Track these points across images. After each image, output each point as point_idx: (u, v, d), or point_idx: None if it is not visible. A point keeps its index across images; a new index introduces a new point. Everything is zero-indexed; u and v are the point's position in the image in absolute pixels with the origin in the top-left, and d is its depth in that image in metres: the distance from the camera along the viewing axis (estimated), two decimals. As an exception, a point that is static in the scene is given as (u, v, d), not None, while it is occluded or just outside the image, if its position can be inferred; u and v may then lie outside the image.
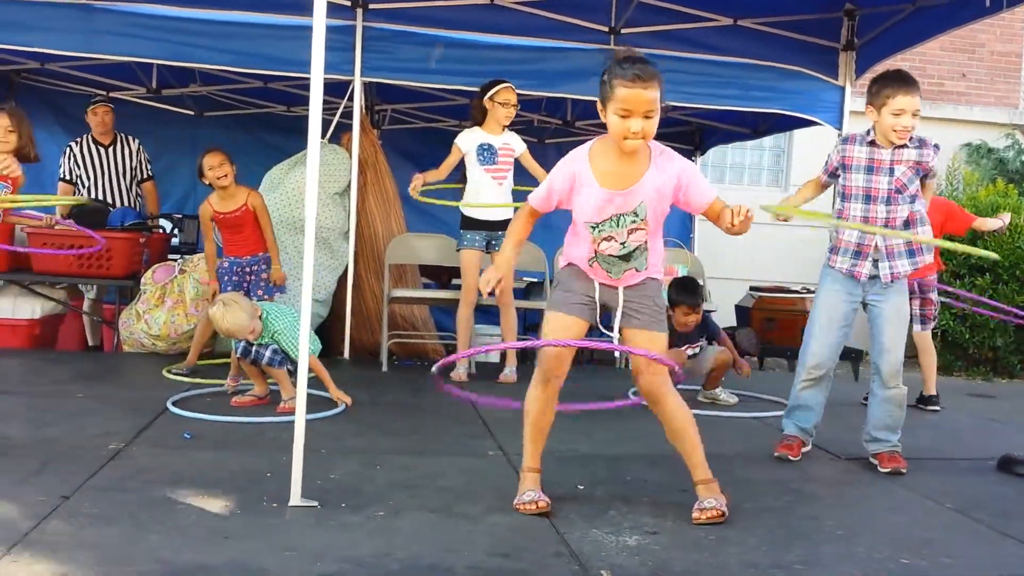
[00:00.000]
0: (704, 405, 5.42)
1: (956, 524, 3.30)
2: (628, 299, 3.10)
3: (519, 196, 5.82)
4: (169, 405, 4.45)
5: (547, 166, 8.20)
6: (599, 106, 2.96)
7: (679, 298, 5.41)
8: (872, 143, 3.93)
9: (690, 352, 5.46)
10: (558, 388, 3.16)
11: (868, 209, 3.93)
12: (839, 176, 4.04)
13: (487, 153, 5.66)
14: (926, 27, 6.26)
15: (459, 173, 5.84)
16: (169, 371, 5.42)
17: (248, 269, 5.54)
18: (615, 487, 3.50)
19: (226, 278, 5.50)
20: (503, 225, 5.66)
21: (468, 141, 5.71)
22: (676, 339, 5.32)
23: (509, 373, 5.81)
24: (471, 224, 5.75)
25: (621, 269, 3.07)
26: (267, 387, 4.73)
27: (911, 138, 3.92)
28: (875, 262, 3.95)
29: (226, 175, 5.29)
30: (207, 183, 5.35)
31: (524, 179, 5.88)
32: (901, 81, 3.87)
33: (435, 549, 2.71)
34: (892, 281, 3.93)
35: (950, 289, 6.02)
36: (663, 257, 3.23)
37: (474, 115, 5.78)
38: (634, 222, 3.00)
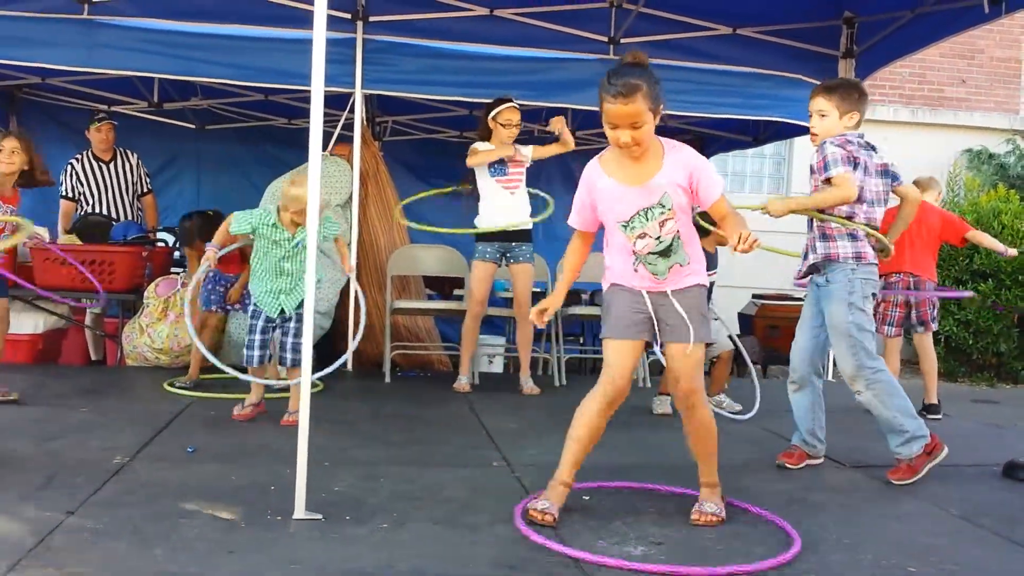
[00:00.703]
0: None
1: (962, 531, 3.29)
2: (678, 303, 3.12)
3: (534, 202, 5.85)
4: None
5: (548, 176, 8.27)
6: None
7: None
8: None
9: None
10: (615, 409, 3.18)
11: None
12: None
13: (497, 164, 5.66)
14: (925, 34, 6.27)
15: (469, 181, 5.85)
16: (172, 385, 5.42)
17: (231, 284, 5.66)
18: (620, 498, 3.49)
19: (208, 287, 5.63)
20: (518, 236, 5.67)
21: (475, 160, 5.71)
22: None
23: (529, 384, 5.80)
24: (486, 236, 5.74)
25: (666, 267, 3.10)
26: (263, 393, 4.73)
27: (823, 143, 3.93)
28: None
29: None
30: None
31: (536, 184, 5.94)
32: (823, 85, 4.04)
33: (439, 561, 2.71)
34: (827, 281, 3.94)
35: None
36: (702, 257, 3.22)
37: (480, 132, 5.79)
38: (663, 213, 3.04)
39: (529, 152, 5.78)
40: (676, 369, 3.15)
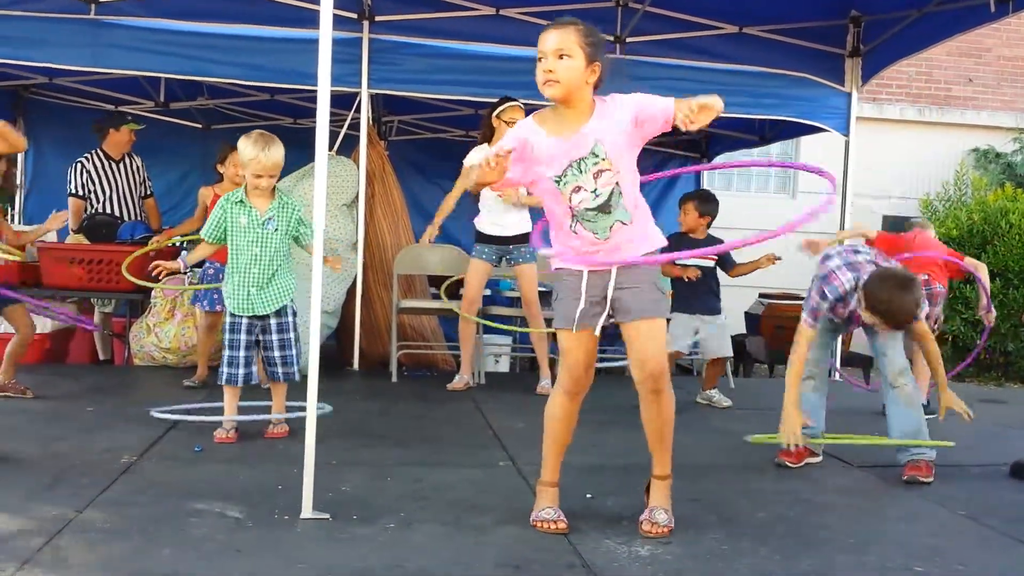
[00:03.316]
0: (702, 407, 5.51)
1: (969, 531, 3.29)
2: (620, 283, 2.97)
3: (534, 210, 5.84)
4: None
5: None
6: None
7: (689, 196, 5.54)
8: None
9: (704, 263, 5.58)
10: (581, 401, 3.13)
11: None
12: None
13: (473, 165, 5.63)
14: (932, 32, 6.27)
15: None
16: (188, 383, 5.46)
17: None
18: (626, 497, 3.49)
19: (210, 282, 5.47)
20: (515, 240, 5.67)
21: (471, 161, 5.71)
22: (687, 244, 5.42)
23: (542, 383, 5.80)
24: (484, 239, 5.76)
25: (606, 225, 2.93)
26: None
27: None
28: None
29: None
30: (222, 172, 5.40)
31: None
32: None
33: (446, 561, 2.71)
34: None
35: None
36: (650, 218, 3.06)
37: (483, 131, 5.78)
38: (596, 164, 2.90)
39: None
40: (639, 350, 3.00)
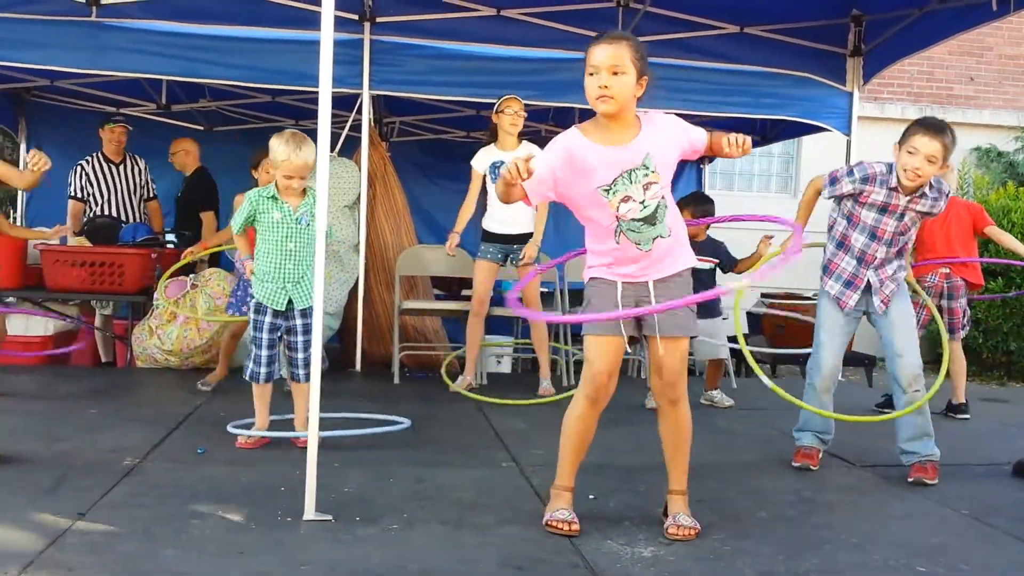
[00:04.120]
0: (704, 407, 5.55)
1: (972, 530, 3.29)
2: (658, 297, 3.00)
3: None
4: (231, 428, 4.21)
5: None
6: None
7: (686, 202, 5.53)
8: (893, 188, 3.84)
9: (702, 265, 5.57)
10: (601, 410, 3.10)
11: (869, 245, 3.93)
12: (845, 201, 4.00)
13: (501, 168, 5.65)
14: (933, 31, 6.26)
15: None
16: (203, 384, 5.46)
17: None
18: (629, 497, 3.49)
19: (240, 293, 5.41)
20: (521, 239, 5.67)
21: (482, 161, 5.74)
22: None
23: (544, 384, 5.81)
24: (490, 237, 5.77)
25: (650, 236, 2.98)
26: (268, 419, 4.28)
27: (930, 186, 3.86)
28: (867, 293, 3.98)
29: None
30: (256, 177, 5.30)
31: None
32: (926, 125, 3.81)
33: (448, 561, 2.71)
34: (887, 305, 3.95)
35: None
36: (686, 237, 3.15)
37: (490, 132, 5.81)
38: (646, 175, 2.96)
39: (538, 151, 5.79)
40: (661, 362, 3.05)
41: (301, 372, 4.13)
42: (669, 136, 3.03)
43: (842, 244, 4.00)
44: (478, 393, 5.57)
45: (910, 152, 3.75)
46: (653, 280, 3.02)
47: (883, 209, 3.87)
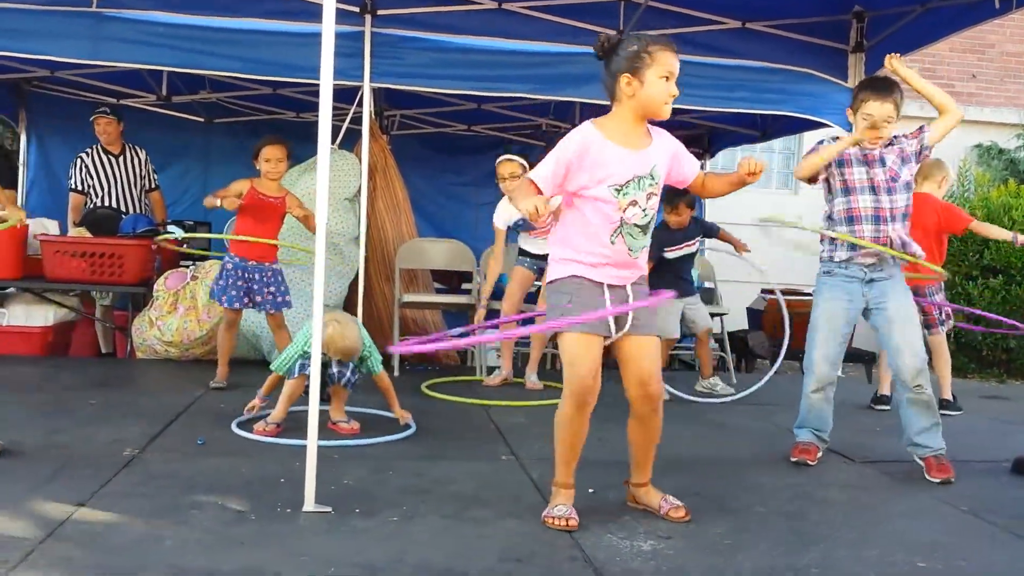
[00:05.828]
0: (704, 396, 5.57)
1: (971, 527, 3.29)
2: (637, 295, 3.09)
3: None
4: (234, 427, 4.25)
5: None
6: (624, 79, 2.99)
7: (679, 196, 5.57)
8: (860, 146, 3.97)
9: (692, 248, 5.77)
10: (591, 410, 3.07)
11: (878, 200, 3.94)
12: (830, 174, 4.03)
13: (523, 222, 5.69)
14: (935, 28, 6.24)
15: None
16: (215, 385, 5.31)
17: (253, 276, 5.26)
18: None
19: (230, 281, 5.21)
20: (545, 257, 5.74)
21: (502, 217, 5.82)
22: (676, 237, 5.62)
23: (532, 379, 5.85)
24: (524, 253, 5.92)
25: (640, 245, 3.06)
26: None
27: (895, 136, 3.98)
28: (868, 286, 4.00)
29: (280, 173, 5.41)
30: (258, 167, 5.36)
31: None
32: (875, 89, 3.92)
33: (448, 554, 2.71)
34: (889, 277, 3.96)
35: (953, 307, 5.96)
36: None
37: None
38: (651, 185, 3.03)
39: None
40: (643, 370, 3.05)
41: (336, 372, 4.27)
42: (669, 156, 3.11)
43: (852, 218, 3.99)
44: (476, 386, 5.57)
45: (864, 119, 3.91)
46: (631, 284, 3.10)
47: (863, 162, 3.97)
